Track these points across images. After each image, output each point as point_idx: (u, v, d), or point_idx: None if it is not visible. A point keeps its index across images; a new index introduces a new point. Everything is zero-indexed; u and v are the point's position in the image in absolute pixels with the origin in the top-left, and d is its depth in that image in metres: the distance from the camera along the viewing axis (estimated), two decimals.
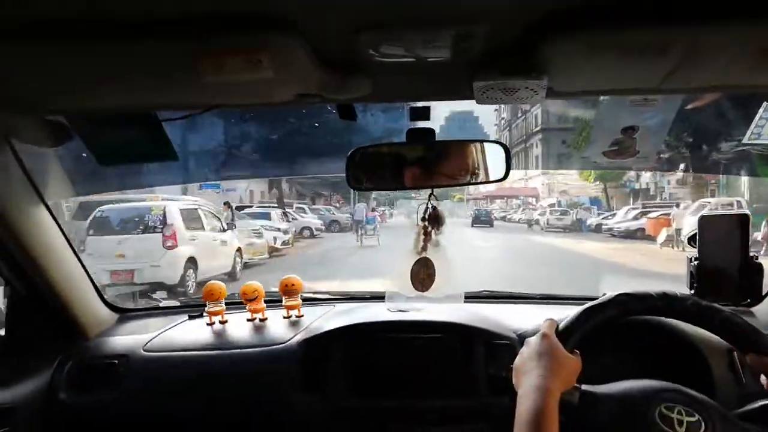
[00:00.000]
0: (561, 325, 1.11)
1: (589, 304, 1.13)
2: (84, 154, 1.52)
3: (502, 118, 54.18)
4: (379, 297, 2.15)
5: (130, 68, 1.08)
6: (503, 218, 39.09)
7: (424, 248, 1.60)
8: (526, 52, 1.04)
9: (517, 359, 1.06)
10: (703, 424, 1.01)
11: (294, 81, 1.13)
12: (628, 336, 1.53)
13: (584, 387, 1.07)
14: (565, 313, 1.17)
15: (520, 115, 52.18)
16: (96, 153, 1.52)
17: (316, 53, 1.04)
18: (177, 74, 1.09)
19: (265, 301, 2.02)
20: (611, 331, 1.43)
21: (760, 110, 1.44)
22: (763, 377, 1.07)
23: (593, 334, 1.12)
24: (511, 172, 1.42)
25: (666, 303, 1.11)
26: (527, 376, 1.00)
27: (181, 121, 1.38)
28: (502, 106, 49.87)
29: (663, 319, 1.55)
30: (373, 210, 23.33)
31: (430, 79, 1.23)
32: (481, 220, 31.68)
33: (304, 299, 2.13)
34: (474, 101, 1.21)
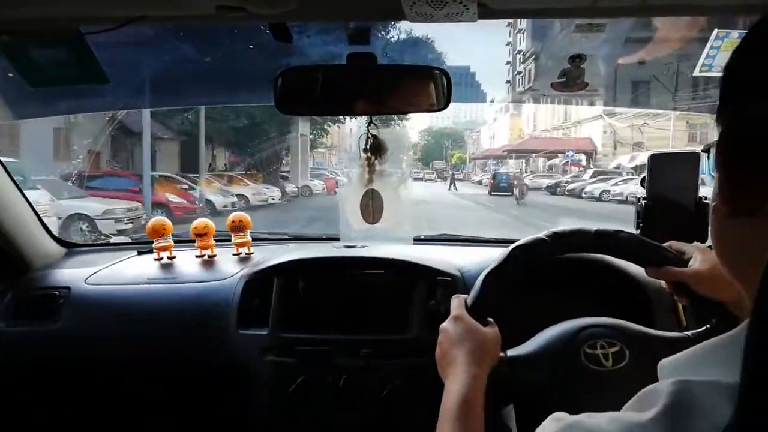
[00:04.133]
0: (469, 300, 1.04)
1: (487, 269, 1.06)
2: (13, 75, 1.45)
3: (518, 72, 46.36)
4: (334, 238, 2.13)
5: None
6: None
7: (370, 180, 1.56)
8: None
9: (437, 349, 1.01)
10: (626, 350, 1.00)
11: None
12: (574, 276, 1.52)
13: (509, 352, 1.04)
14: None
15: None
16: (25, 74, 1.46)
17: None
18: None
19: (217, 241, 1.99)
20: (555, 270, 1.42)
21: (711, 38, 1.37)
22: (665, 285, 1.07)
23: (506, 295, 1.06)
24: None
25: (557, 241, 1.06)
26: (450, 365, 0.96)
27: (110, 42, 1.32)
28: (516, 59, 44.74)
29: (603, 258, 1.54)
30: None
31: None
32: (501, 186, 24.98)
33: (259, 239, 2.11)
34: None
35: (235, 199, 15.46)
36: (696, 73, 1.45)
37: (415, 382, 1.53)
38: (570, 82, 1.45)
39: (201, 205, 14.08)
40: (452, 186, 30.61)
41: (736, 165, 0.50)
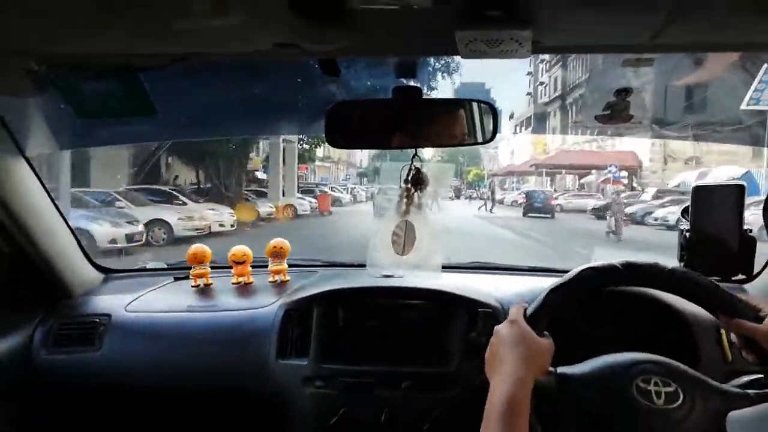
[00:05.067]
0: (529, 310, 1.06)
1: (553, 283, 1.08)
2: (63, 107, 1.49)
3: (541, 83, 43.00)
4: (363, 265, 2.13)
5: (101, 11, 1.04)
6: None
7: (407, 211, 1.57)
8: (511, 0, 0.99)
9: (488, 350, 1.02)
10: (681, 392, 0.98)
11: (268, 28, 1.09)
12: (614, 308, 1.51)
13: (559, 369, 1.04)
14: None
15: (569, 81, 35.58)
16: (74, 105, 1.50)
17: None
18: (148, 17, 1.05)
19: (253, 266, 2.00)
20: (598, 303, 1.41)
21: (760, 73, 1.36)
22: (734, 338, 1.06)
23: (565, 312, 1.07)
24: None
25: (630, 271, 1.07)
26: (499, 366, 0.97)
27: (160, 74, 1.34)
28: (537, 68, 41.59)
29: (652, 291, 1.52)
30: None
31: (413, 32, 1.18)
32: (535, 206, 21.66)
33: (294, 265, 2.11)
34: (473, 64, 1.17)
35: (140, 228, 10.56)
36: (743, 107, 1.44)
37: (456, 415, 1.52)
38: (615, 114, 1.45)
39: None
40: (488, 207, 24.70)
41: None
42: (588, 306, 1.36)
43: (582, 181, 31.01)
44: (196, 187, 17.48)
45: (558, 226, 18.34)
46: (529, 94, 48.43)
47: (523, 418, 0.88)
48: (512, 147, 47.21)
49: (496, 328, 1.04)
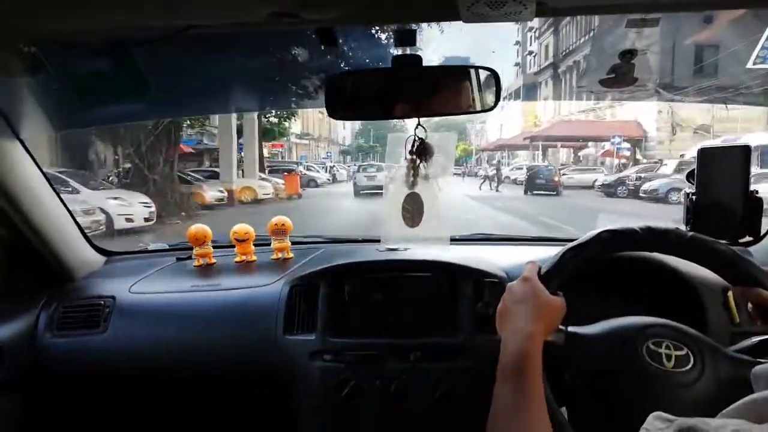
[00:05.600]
0: (543, 268, 1.06)
1: (571, 243, 1.09)
2: (57, 87, 1.46)
3: (530, 52, 41.12)
4: (373, 240, 2.12)
5: None
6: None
7: (414, 183, 1.55)
8: None
9: (500, 305, 1.02)
10: (692, 356, 0.98)
11: None
12: (620, 274, 1.51)
13: (570, 328, 1.04)
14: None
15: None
16: (69, 86, 1.47)
17: None
18: None
19: (256, 245, 1.99)
20: (603, 269, 1.40)
21: (766, 32, 1.33)
22: (750, 306, 1.03)
23: (578, 273, 1.07)
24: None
25: (649, 236, 1.06)
26: (510, 322, 0.97)
27: (153, 52, 1.31)
28: (525, 37, 39.75)
29: (658, 256, 1.52)
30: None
31: None
32: (538, 183, 19.88)
33: (296, 242, 2.10)
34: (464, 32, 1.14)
35: None
36: (749, 65, 1.42)
37: (466, 385, 1.52)
38: (620, 77, 1.42)
39: None
40: (493, 185, 22.66)
41: None
42: (598, 270, 1.36)
43: (580, 154, 29.51)
44: (113, 169, 13.57)
45: (568, 205, 16.44)
46: (517, 64, 47.12)
47: (535, 372, 0.88)
48: (501, 120, 45.53)
49: (508, 284, 1.04)
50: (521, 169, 25.17)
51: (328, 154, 44.62)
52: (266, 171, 20.09)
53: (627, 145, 24.27)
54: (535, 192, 19.82)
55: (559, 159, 29.95)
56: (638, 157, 24.27)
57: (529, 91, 41.43)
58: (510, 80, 44.91)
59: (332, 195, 20.12)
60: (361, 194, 19.41)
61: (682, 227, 1.13)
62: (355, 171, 24.02)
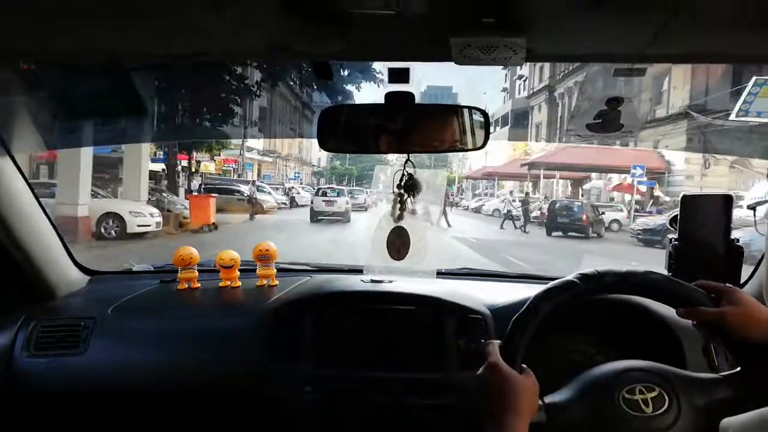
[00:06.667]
0: (504, 342, 1.04)
1: (516, 315, 1.06)
2: (51, 106, 1.47)
3: (520, 76, 37.96)
4: (357, 270, 2.12)
5: (91, 8, 1.03)
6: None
7: (400, 216, 1.56)
8: (506, 8, 1.00)
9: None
10: (665, 395, 0.99)
11: (263, 29, 1.08)
12: (604, 318, 1.51)
13: (547, 399, 1.03)
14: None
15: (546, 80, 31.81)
16: (63, 105, 1.48)
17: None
18: (141, 17, 1.04)
19: (241, 270, 1.98)
20: (585, 312, 1.41)
21: (749, 85, 1.37)
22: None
23: (538, 337, 1.06)
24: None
25: (588, 285, 1.06)
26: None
27: (147, 76, 1.33)
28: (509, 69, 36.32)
29: (638, 300, 1.53)
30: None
31: (407, 37, 1.18)
32: (559, 222, 16.44)
33: (282, 269, 2.10)
34: (453, 70, 1.17)
35: None
36: (732, 118, 1.46)
37: (449, 421, 1.51)
38: (606, 124, 1.45)
39: None
40: (518, 224, 18.89)
41: None
42: (569, 321, 1.36)
43: (584, 187, 24.89)
44: None
45: (616, 255, 12.65)
46: (504, 89, 46.17)
47: None
48: (486, 147, 43.58)
49: (478, 374, 1.01)
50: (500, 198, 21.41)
51: (296, 175, 39.95)
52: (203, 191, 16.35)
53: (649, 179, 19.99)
54: (557, 234, 16.58)
55: (554, 192, 25.96)
56: (657, 193, 20.54)
57: (518, 118, 37.94)
58: (497, 106, 42.28)
59: (280, 225, 16.49)
60: (319, 220, 18.08)
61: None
62: (313, 194, 21.71)
